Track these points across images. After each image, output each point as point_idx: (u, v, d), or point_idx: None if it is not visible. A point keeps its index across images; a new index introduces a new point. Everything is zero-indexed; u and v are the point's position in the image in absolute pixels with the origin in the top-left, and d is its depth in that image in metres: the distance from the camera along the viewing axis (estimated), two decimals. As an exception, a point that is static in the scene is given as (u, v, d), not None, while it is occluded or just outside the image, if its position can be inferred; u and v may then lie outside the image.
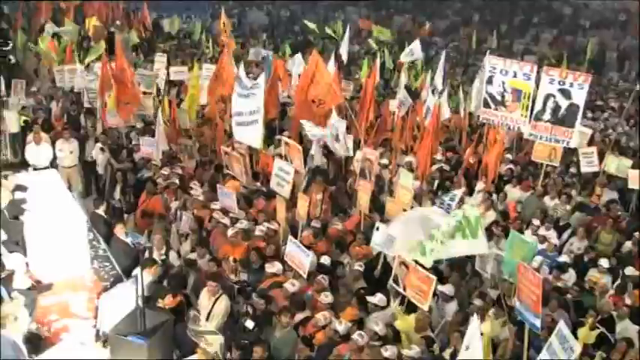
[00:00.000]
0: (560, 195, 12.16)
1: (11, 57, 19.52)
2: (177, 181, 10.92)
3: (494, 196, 12.24)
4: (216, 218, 9.60)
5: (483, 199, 11.82)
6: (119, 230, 9.17)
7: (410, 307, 7.95)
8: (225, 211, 9.90)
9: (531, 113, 12.77)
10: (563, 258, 9.91)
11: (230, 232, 9.17)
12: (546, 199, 12.28)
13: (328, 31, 27.33)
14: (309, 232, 9.58)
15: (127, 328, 6.86)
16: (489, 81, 13.11)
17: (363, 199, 10.10)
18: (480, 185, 12.87)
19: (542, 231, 10.85)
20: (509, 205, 12.07)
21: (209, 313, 7.62)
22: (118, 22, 18.10)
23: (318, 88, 12.91)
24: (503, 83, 12.89)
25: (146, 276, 8.30)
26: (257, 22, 37.16)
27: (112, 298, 7.51)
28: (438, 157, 13.82)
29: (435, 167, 13.11)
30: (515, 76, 12.76)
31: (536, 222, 11.06)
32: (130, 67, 13.34)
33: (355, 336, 6.94)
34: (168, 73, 17.40)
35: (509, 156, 14.35)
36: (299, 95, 13.35)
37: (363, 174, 10.79)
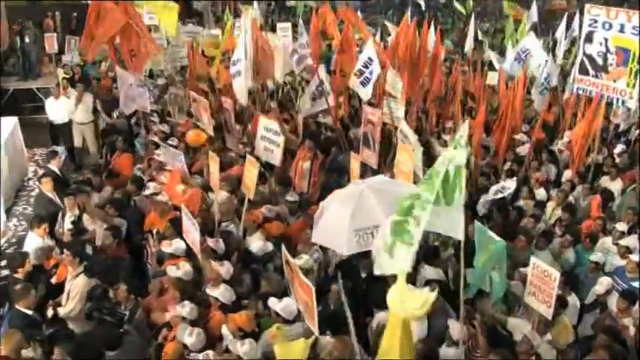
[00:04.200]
0: (668, 195, 8.56)
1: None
2: (156, 139, 9.19)
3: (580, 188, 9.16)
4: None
5: (559, 190, 9.04)
6: (45, 185, 7.61)
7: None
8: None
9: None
10: (642, 283, 6.51)
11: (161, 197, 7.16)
12: (650, 200, 8.71)
13: (458, 6, 24.70)
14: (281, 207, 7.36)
15: None
16: (588, 38, 9.67)
17: (355, 172, 7.52)
18: (567, 174, 9.87)
19: (628, 240, 7.49)
20: (592, 201, 8.72)
21: (68, 294, 5.73)
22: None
23: None
24: (606, 41, 9.39)
25: (35, 240, 6.71)
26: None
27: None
28: (522, 137, 10.93)
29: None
30: (621, 30, 9.19)
31: (621, 227, 7.72)
32: (141, 20, 11.80)
33: (200, 356, 4.56)
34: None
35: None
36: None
37: (365, 140, 8.10)
